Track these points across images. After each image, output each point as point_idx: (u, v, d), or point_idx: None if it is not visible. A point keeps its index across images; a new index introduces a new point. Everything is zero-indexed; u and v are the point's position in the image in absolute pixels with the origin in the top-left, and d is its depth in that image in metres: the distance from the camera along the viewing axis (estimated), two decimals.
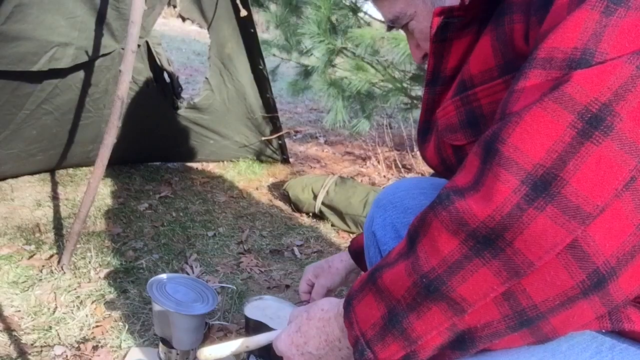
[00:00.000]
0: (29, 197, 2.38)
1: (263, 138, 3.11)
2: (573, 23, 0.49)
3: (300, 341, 0.67)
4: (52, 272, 1.75)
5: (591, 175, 0.45)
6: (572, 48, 0.48)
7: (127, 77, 1.71)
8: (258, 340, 0.78)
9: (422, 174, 3.16)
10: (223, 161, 3.20)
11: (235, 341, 0.79)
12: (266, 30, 6.05)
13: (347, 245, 1.30)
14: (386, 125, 3.87)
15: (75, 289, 1.68)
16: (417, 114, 3.25)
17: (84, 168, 2.79)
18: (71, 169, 2.76)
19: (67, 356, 1.37)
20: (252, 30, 2.63)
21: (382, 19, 0.85)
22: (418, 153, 3.25)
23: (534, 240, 0.46)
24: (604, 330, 0.53)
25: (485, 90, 0.67)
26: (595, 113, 0.45)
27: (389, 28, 0.85)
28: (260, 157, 3.26)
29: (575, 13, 0.49)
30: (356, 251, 1.12)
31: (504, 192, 0.47)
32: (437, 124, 0.77)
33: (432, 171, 0.98)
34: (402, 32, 0.85)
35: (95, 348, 1.42)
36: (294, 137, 4.17)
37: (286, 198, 2.63)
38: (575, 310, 0.48)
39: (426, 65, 0.79)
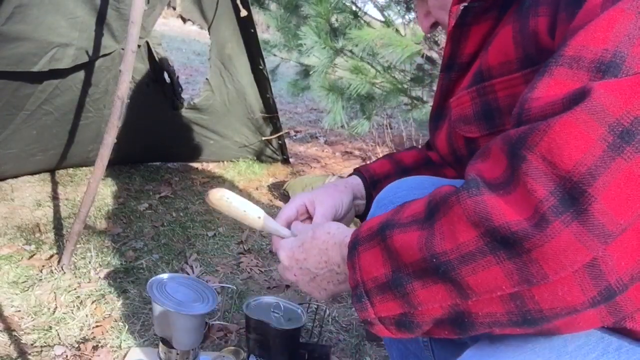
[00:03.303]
0: (29, 197, 2.38)
1: (263, 138, 3.11)
2: (605, 22, 0.46)
3: (301, 256, 0.70)
4: (52, 272, 1.75)
5: (619, 193, 0.42)
6: (602, 49, 0.45)
7: (127, 77, 1.71)
8: (270, 225, 0.79)
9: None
10: (223, 161, 3.20)
11: (253, 206, 0.79)
12: (266, 30, 6.06)
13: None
14: (386, 126, 3.86)
15: (75, 289, 1.68)
16: (417, 114, 3.24)
17: (84, 168, 2.79)
18: (71, 169, 2.76)
19: (67, 356, 1.38)
20: (252, 31, 2.63)
21: None
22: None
23: (554, 255, 0.44)
24: (605, 326, 0.52)
25: (503, 83, 0.66)
26: (627, 127, 0.42)
27: None
28: (260, 157, 3.26)
29: (609, 12, 0.46)
30: (373, 178, 0.95)
31: (531, 202, 0.45)
32: (451, 113, 0.76)
33: None
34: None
35: (95, 348, 1.42)
36: (294, 137, 4.17)
37: (286, 198, 2.63)
38: (581, 316, 0.48)
39: (442, 53, 0.78)
